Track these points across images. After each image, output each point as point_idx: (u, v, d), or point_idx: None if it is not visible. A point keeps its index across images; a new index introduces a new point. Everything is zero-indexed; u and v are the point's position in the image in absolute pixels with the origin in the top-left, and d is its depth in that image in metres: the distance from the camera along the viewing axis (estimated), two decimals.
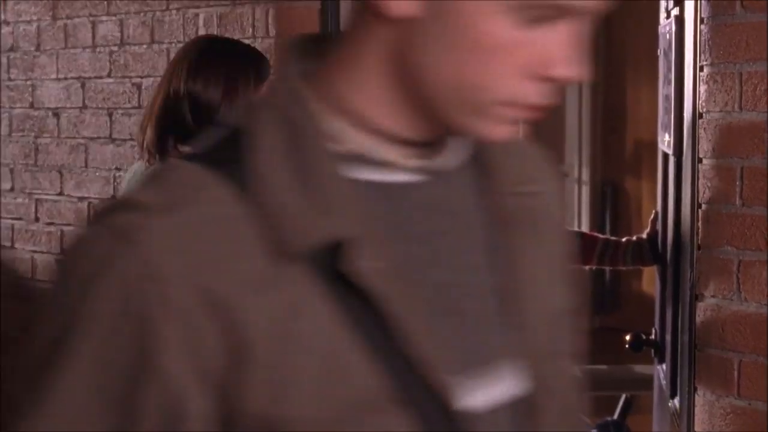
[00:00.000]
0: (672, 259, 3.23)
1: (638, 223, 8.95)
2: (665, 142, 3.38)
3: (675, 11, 3.16)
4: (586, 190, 9.33)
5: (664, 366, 3.47)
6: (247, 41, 3.49)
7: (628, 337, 3.63)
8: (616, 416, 6.17)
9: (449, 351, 1.14)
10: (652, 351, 3.67)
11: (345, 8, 3.47)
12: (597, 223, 9.20)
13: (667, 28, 3.31)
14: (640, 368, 6.17)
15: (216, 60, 2.91)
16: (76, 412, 1.05)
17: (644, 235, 3.68)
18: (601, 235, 3.72)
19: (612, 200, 9.27)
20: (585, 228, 8.89)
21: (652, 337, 3.68)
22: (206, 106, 2.87)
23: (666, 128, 3.34)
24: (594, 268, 3.80)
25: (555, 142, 9.44)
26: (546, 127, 10.21)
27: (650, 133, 8.86)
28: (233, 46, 3.00)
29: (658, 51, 3.64)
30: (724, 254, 2.65)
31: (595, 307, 9.39)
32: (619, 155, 9.34)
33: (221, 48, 2.96)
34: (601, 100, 9.40)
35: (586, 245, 3.64)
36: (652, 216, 3.71)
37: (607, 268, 3.79)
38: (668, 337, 3.32)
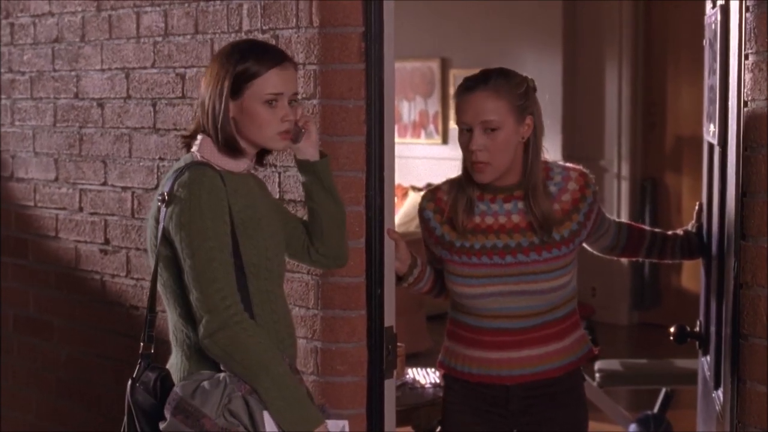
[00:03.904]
0: (717, 250, 3.22)
1: (678, 218, 8.91)
2: (710, 132, 3.37)
3: (721, 1, 3.15)
4: (625, 186, 9.31)
5: (708, 358, 3.46)
6: (290, 32, 3.51)
7: (672, 329, 3.62)
8: (656, 410, 6.16)
9: None
10: (697, 343, 3.66)
11: (388, 1, 3.47)
12: (637, 218, 9.16)
13: (713, 18, 3.30)
14: (680, 362, 6.15)
15: (215, 61, 3.02)
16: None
17: (690, 228, 3.67)
18: (648, 228, 3.70)
19: (652, 195, 9.23)
20: None
21: (697, 329, 3.67)
22: (201, 103, 3.01)
23: (711, 119, 3.33)
24: (641, 260, 3.79)
25: (594, 137, 9.42)
26: (586, 122, 10.24)
27: (690, 128, 8.84)
28: (238, 45, 3.05)
29: (704, 42, 3.63)
30: None
31: (635, 302, 9.36)
32: (659, 150, 9.30)
33: (226, 49, 3.04)
34: (640, 95, 9.36)
35: (634, 237, 3.62)
36: (696, 208, 3.70)
37: (653, 261, 3.76)
38: (713, 329, 3.31)
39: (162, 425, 2.84)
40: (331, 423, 2.93)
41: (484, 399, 3.43)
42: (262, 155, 3.13)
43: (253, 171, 3.14)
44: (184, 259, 2.87)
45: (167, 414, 2.84)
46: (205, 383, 2.85)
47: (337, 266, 3.33)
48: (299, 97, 3.13)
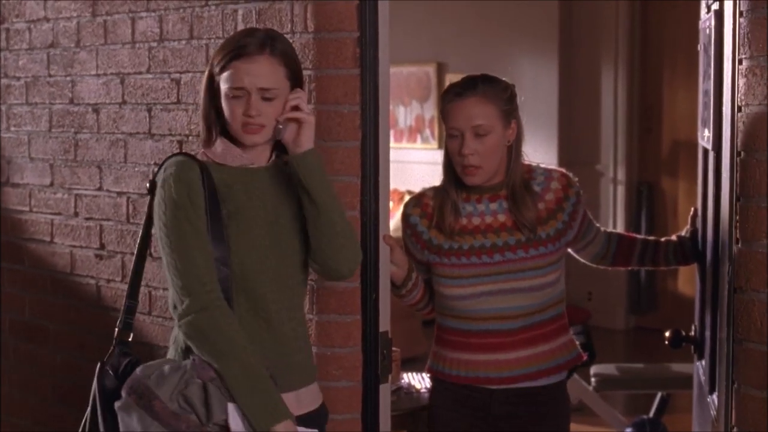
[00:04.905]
0: (711, 254, 3.22)
1: (674, 222, 8.91)
2: (705, 137, 3.38)
3: (715, 6, 3.15)
4: (621, 190, 9.30)
5: (703, 362, 3.46)
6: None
7: (667, 334, 3.63)
8: (651, 414, 6.16)
9: None
10: (692, 347, 3.67)
11: (383, 5, 3.47)
12: (633, 222, 9.17)
13: (707, 23, 3.31)
14: (676, 367, 6.15)
15: None
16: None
17: (684, 233, 3.68)
18: (639, 236, 3.73)
19: (648, 200, 9.24)
20: (621, 228, 8.87)
21: (692, 333, 3.67)
22: None
23: (705, 123, 3.34)
24: (635, 269, 3.81)
25: (591, 141, 9.42)
26: (582, 127, 10.22)
27: (686, 132, 8.84)
28: (228, 38, 3.07)
29: (699, 47, 3.64)
30: (762, 248, 2.64)
31: (632, 307, 9.36)
32: (655, 155, 9.31)
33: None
34: (637, 99, 9.37)
35: (624, 245, 3.65)
36: (691, 213, 3.71)
37: (648, 268, 3.79)
38: (707, 333, 3.31)
39: (117, 404, 2.83)
40: (301, 429, 2.89)
41: (467, 403, 3.46)
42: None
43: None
44: (163, 247, 2.87)
45: (123, 393, 2.82)
46: (166, 367, 2.82)
47: (333, 278, 3.18)
48: (279, 90, 2.97)
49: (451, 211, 3.43)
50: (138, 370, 2.84)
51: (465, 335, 3.43)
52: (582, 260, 3.68)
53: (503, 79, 3.43)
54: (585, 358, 3.58)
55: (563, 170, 3.53)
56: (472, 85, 3.37)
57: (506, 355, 3.40)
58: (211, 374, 2.78)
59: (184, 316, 2.82)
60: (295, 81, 3.00)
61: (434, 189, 3.52)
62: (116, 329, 3.01)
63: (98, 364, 2.93)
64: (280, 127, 2.98)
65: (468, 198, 3.44)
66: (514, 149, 3.41)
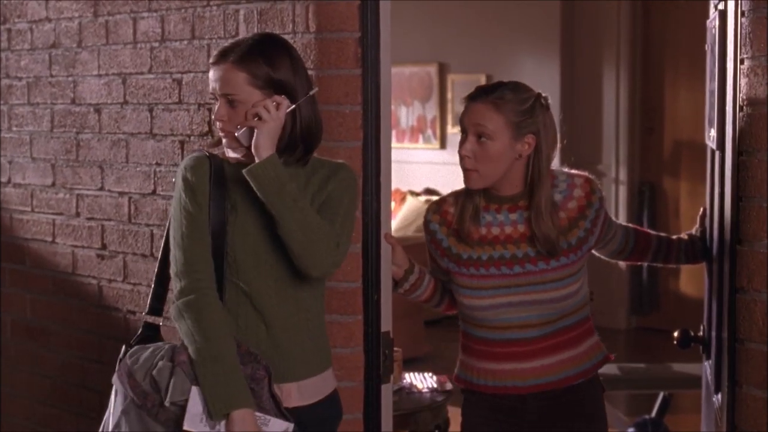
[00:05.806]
0: (716, 254, 3.22)
1: (676, 223, 8.91)
2: (711, 137, 3.38)
3: (720, 6, 3.16)
4: (623, 190, 9.30)
5: (710, 362, 3.46)
6: (286, 37, 3.51)
7: (676, 334, 3.62)
8: (653, 414, 6.16)
9: None
10: (701, 347, 3.66)
11: (384, 5, 3.47)
12: (635, 223, 9.13)
13: (713, 23, 3.31)
14: (678, 367, 6.15)
15: None
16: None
17: (694, 232, 3.67)
18: (653, 232, 3.69)
19: (650, 200, 9.23)
20: None
21: (700, 333, 3.66)
22: None
23: (712, 123, 3.34)
24: (647, 264, 3.78)
25: (592, 142, 9.42)
26: (584, 127, 10.19)
27: (688, 132, 8.83)
28: None
29: (706, 47, 3.64)
30: (763, 248, 2.64)
31: (634, 307, 9.36)
32: (657, 155, 9.30)
33: None
34: (638, 99, 9.36)
35: (641, 242, 3.61)
36: (700, 213, 3.69)
37: (658, 265, 3.74)
38: (713, 333, 3.31)
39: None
40: (274, 422, 2.88)
41: (500, 409, 3.39)
42: (307, 152, 3.06)
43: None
44: (170, 237, 3.00)
45: (116, 369, 2.96)
46: (150, 349, 2.93)
47: (314, 277, 3.03)
48: (245, 98, 2.95)
49: (471, 216, 3.34)
50: (131, 348, 2.98)
51: (489, 344, 3.36)
52: (598, 255, 3.62)
53: (537, 92, 3.31)
54: (612, 358, 3.51)
55: (586, 174, 3.42)
56: (488, 90, 3.28)
57: (530, 364, 3.33)
58: (183, 358, 2.86)
59: (173, 301, 2.93)
60: (276, 88, 2.96)
61: (455, 194, 3.42)
62: (143, 313, 3.12)
63: (123, 346, 3.04)
64: (236, 134, 2.96)
65: (487, 207, 3.35)
66: (533, 166, 3.29)
